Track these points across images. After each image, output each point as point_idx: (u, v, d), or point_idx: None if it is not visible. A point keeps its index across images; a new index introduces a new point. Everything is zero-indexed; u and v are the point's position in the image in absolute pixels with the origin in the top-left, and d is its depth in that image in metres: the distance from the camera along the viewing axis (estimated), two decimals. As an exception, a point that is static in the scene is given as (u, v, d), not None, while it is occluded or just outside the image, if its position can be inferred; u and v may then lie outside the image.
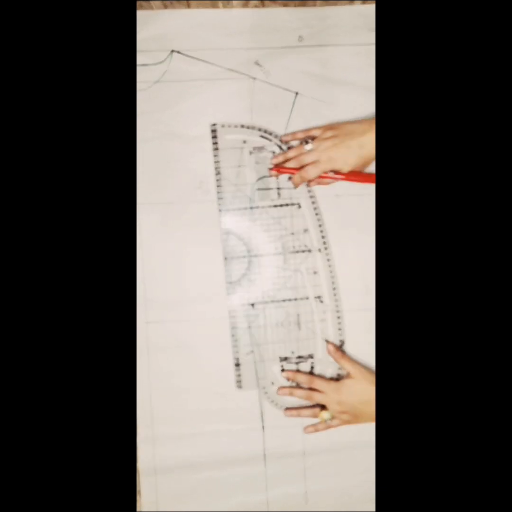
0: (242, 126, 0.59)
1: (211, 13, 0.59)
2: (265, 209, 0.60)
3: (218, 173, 0.59)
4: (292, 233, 0.60)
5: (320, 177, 0.57)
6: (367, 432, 0.61)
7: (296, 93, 0.59)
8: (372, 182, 0.58)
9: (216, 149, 0.59)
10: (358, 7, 0.60)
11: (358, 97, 0.60)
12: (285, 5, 0.59)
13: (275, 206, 0.60)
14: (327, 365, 0.61)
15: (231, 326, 0.60)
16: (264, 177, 0.60)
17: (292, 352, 0.61)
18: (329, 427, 0.60)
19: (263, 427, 0.61)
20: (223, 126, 0.59)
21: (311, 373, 0.61)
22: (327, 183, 0.59)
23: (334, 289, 0.60)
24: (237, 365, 0.60)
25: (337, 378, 0.61)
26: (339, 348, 0.61)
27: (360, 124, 0.56)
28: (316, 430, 0.60)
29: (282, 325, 0.61)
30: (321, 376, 0.61)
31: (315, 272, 0.60)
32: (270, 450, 0.61)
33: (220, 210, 0.59)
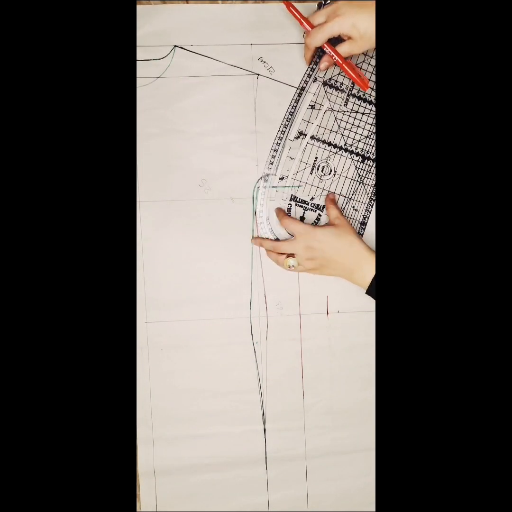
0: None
1: (214, 9, 0.58)
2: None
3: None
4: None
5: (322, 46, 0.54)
6: (368, 435, 0.61)
7: (301, 89, 0.59)
8: (363, 87, 0.55)
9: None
10: (359, 3, 0.59)
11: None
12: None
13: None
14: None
15: (232, 326, 0.60)
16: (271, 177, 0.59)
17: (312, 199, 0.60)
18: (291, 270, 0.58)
19: (264, 430, 0.61)
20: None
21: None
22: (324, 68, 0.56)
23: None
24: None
25: (316, 223, 0.60)
26: (334, 199, 0.60)
27: None
28: (261, 245, 0.59)
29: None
30: (296, 219, 0.59)
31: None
32: (272, 453, 0.61)
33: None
